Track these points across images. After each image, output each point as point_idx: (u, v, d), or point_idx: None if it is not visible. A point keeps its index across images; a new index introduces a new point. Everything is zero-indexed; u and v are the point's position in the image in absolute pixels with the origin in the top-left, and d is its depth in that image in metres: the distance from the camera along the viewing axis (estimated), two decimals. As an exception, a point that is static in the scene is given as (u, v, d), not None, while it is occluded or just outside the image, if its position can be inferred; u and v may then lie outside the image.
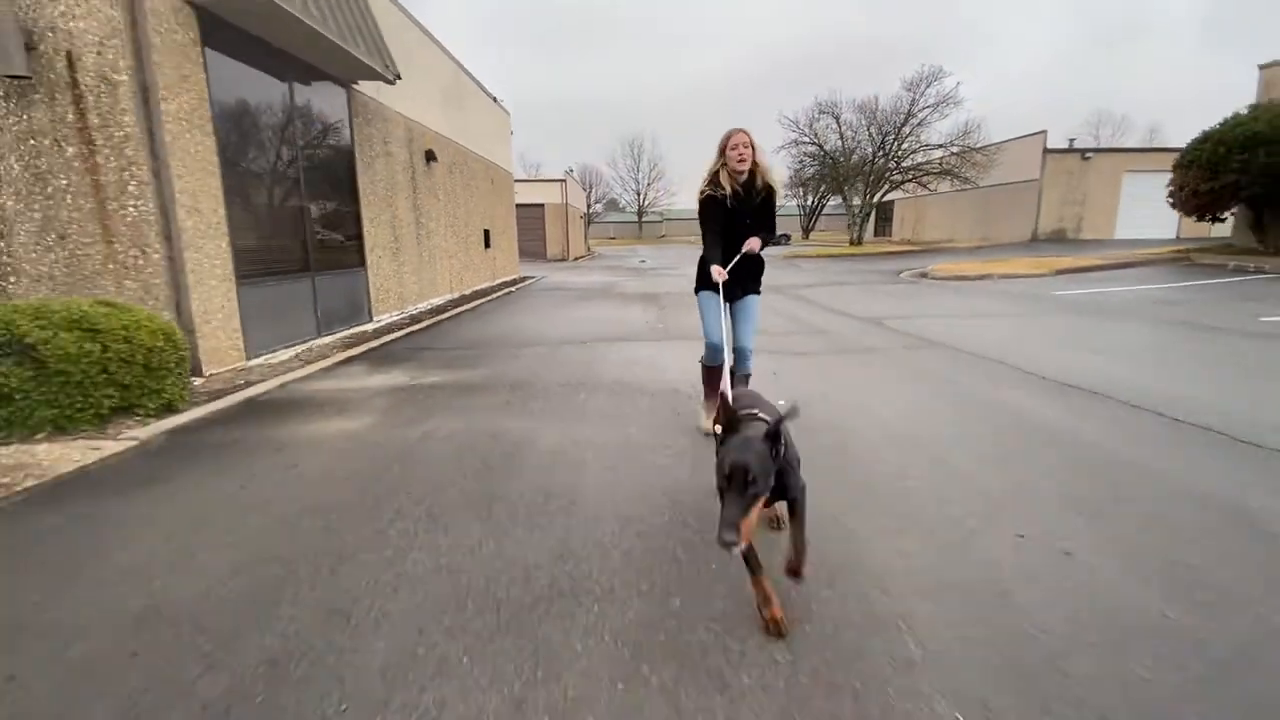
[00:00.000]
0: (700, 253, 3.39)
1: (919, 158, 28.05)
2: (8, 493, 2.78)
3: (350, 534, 2.38)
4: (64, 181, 4.38)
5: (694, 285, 3.50)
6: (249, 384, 4.72)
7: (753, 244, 3.21)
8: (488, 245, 13.69)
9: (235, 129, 5.40)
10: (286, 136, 6.16)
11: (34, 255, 4.47)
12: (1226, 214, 13.57)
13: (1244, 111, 12.75)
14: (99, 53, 4.24)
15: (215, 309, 4.96)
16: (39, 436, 3.37)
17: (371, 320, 7.85)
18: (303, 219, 6.41)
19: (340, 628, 1.81)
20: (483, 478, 2.91)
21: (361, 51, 6.24)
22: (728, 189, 3.21)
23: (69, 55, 4.23)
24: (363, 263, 7.71)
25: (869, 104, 28.19)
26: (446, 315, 8.91)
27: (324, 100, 6.82)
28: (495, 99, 14.82)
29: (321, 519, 2.52)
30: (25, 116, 4.30)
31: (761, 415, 1.78)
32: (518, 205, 17.96)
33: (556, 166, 64.96)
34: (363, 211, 7.65)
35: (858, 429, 3.51)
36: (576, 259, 29.25)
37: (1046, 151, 25.07)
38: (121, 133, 4.32)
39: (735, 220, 3.26)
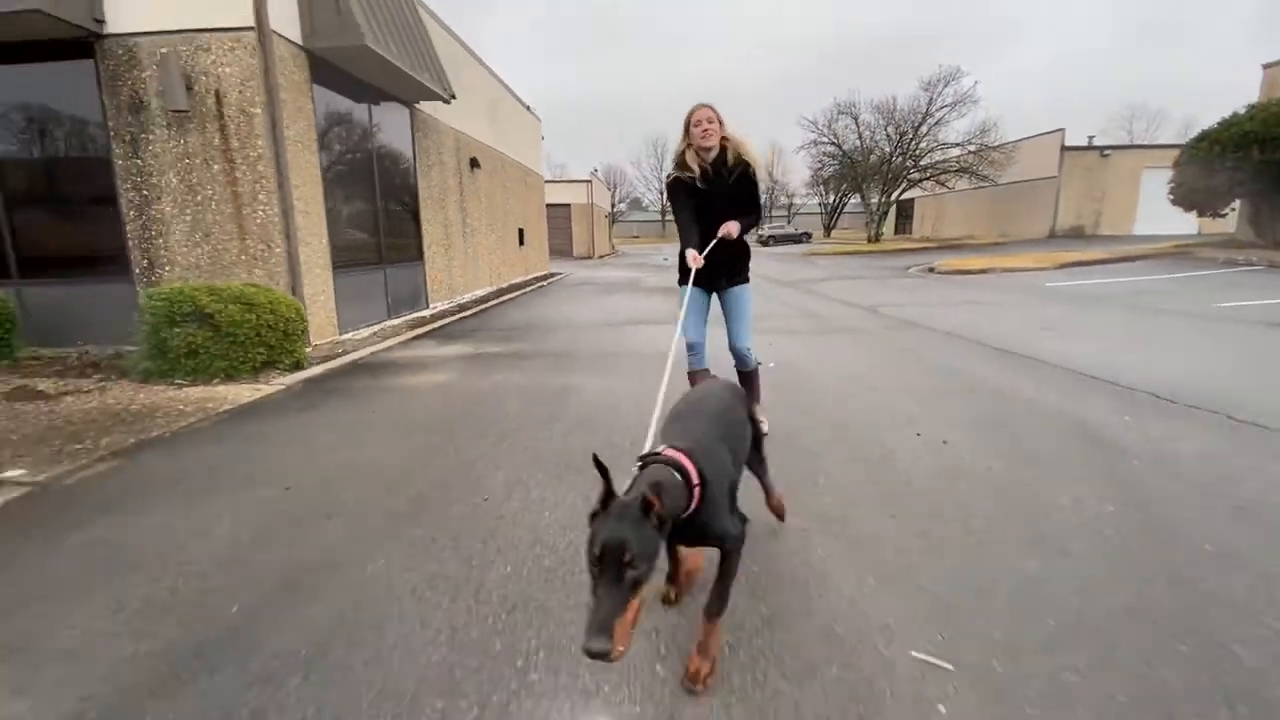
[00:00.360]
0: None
1: (936, 156, 28.60)
2: (213, 413, 3.96)
3: (461, 435, 3.50)
4: (210, 191, 5.61)
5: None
6: (346, 352, 5.91)
7: (730, 228, 3.00)
8: (521, 243, 14.88)
9: (330, 147, 6.60)
10: (365, 150, 7.37)
11: (185, 249, 5.71)
12: (1226, 210, 14.13)
13: (1241, 111, 13.32)
14: (240, 91, 5.45)
15: (319, 292, 6.16)
16: (216, 381, 4.57)
17: (428, 307, 9.05)
18: (377, 219, 7.61)
19: (473, 472, 2.91)
20: (545, 407, 4.01)
21: (427, 79, 7.41)
22: (695, 169, 3.04)
23: (217, 94, 5.45)
24: (421, 257, 8.92)
25: (886, 104, 28.83)
26: (489, 304, 10.09)
27: (393, 119, 8.03)
28: (528, 107, 16.01)
29: (438, 428, 3.65)
30: (183, 141, 5.54)
31: (666, 455, 1.41)
32: (546, 205, 19.16)
33: (582, 167, 66.23)
34: (421, 213, 8.85)
35: (819, 377, 4.54)
36: (601, 256, 30.42)
37: (1065, 149, 25.46)
38: (255, 153, 5.53)
39: (709, 203, 3.07)
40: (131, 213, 5.71)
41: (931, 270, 14.84)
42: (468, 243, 10.85)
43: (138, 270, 5.80)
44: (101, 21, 5.39)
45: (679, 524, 1.36)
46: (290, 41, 5.71)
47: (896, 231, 39.94)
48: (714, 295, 3.34)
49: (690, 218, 3.09)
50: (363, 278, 7.24)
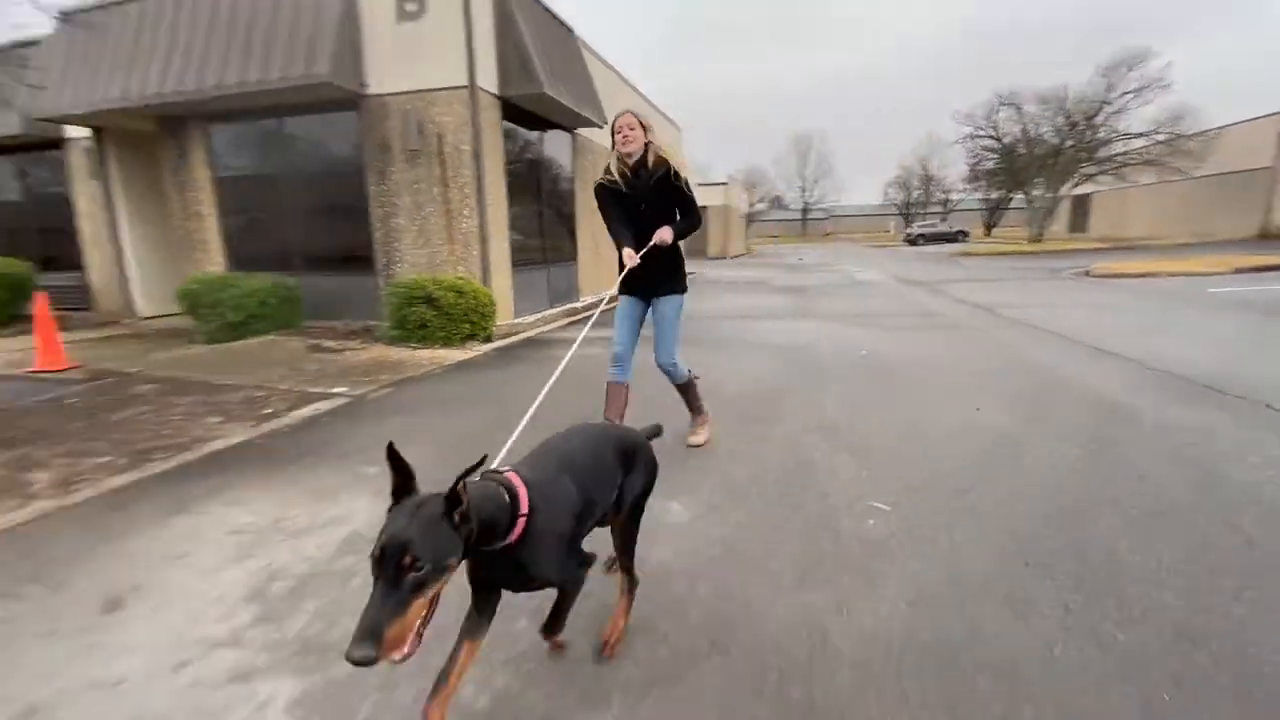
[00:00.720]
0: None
1: (1117, 147, 25.83)
2: (441, 365, 5.66)
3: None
4: (430, 209, 7.53)
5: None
6: (519, 332, 7.58)
7: (663, 234, 3.01)
8: (660, 244, 16.32)
9: (513, 170, 8.36)
10: (536, 171, 9.11)
11: (412, 251, 7.71)
12: None
13: None
14: (455, 133, 7.29)
15: (502, 285, 7.92)
16: (437, 346, 6.36)
17: (579, 300, 10.71)
18: (542, 226, 9.34)
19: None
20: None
21: (587, 111, 8.97)
22: (616, 174, 3.08)
23: (439, 136, 7.34)
24: (575, 258, 10.59)
25: (1056, 94, 26.53)
26: (615, 303, 11.57)
27: (558, 144, 9.73)
28: (670, 119, 17.41)
29: (584, 380, 5.01)
30: (413, 171, 7.51)
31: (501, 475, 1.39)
32: (685, 209, 20.45)
33: (726, 166, 66.88)
34: (577, 221, 10.51)
35: (903, 365, 5.28)
36: (735, 257, 31.26)
37: (1284, 134, 21.94)
38: (463, 179, 7.35)
39: (635, 207, 3.09)
40: (377, 224, 7.82)
41: (1087, 274, 14.02)
42: (611, 246, 12.43)
43: (379, 266, 7.91)
44: (365, 85, 7.49)
45: (498, 559, 1.31)
46: (489, 93, 7.46)
47: (1071, 230, 36.23)
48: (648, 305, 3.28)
49: (621, 221, 3.11)
50: (531, 274, 8.97)
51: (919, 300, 10.06)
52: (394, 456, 1.20)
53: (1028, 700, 1.50)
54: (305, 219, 8.32)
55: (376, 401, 4.52)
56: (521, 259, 8.60)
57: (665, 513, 2.58)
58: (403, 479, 1.22)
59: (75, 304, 10.09)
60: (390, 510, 1.17)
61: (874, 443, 3.38)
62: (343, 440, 3.66)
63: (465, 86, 7.10)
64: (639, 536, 1.80)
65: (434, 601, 1.14)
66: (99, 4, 7.94)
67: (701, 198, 29.31)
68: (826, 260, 24.33)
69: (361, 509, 2.72)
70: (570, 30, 9.27)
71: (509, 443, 1.72)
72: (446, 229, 7.54)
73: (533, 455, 1.63)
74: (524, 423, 1.92)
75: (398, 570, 1.06)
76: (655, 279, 3.16)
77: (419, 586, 1.07)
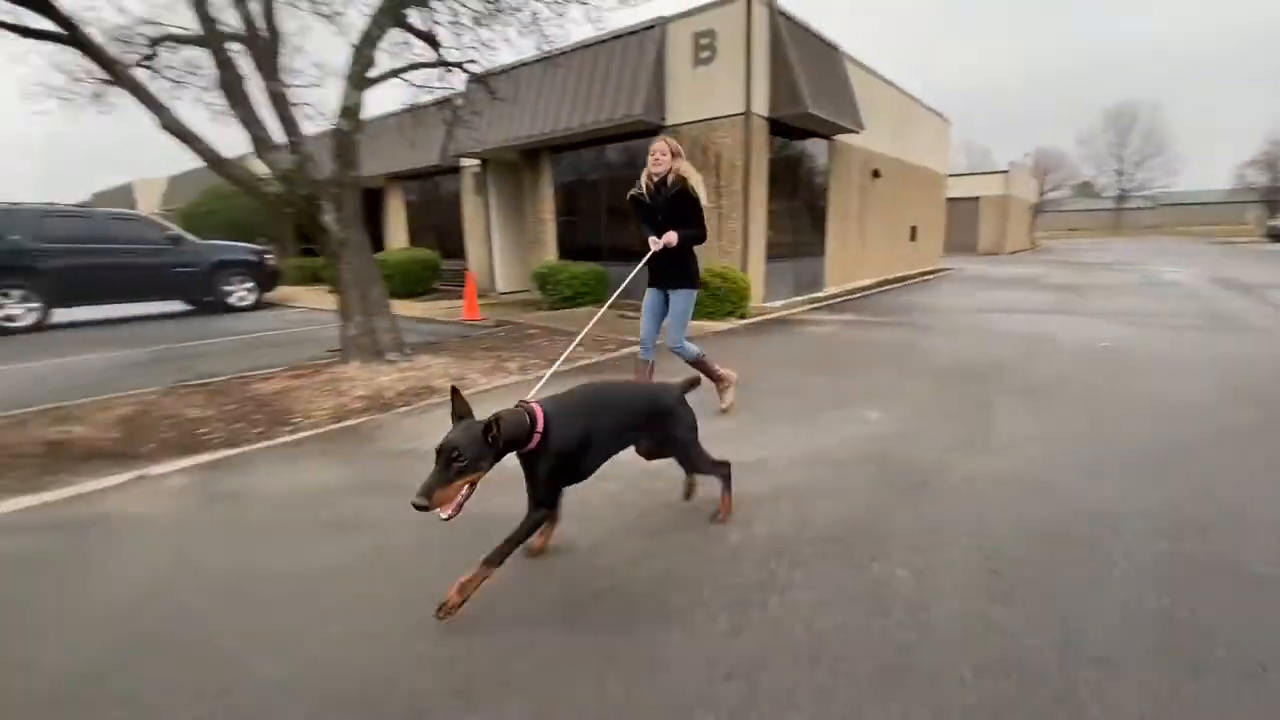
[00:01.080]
0: None
1: None
2: (706, 334, 7.49)
3: (834, 355, 6.09)
4: (708, 212, 9.43)
5: None
6: (768, 314, 9.11)
7: (669, 236, 3.65)
8: (913, 239, 16.29)
9: (775, 176, 9.87)
10: (795, 175, 10.48)
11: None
12: None
13: None
14: (730, 151, 9.07)
15: (756, 275, 9.53)
16: (704, 320, 8.25)
17: (824, 290, 11.81)
18: (795, 223, 10.69)
19: (837, 366, 5.50)
20: (890, 350, 6.27)
21: (845, 120, 10.04)
22: (643, 188, 3.81)
23: (717, 154, 9.20)
24: (823, 252, 11.71)
25: None
26: (872, 292, 12.26)
27: (816, 149, 10.95)
28: (939, 114, 17.06)
29: (821, 350, 6.33)
30: (696, 183, 9.50)
31: (530, 407, 1.91)
32: (951, 199, 19.68)
33: (1010, 151, 59.26)
34: (828, 218, 11.61)
35: (1145, 359, 5.47)
36: (1013, 252, 28.24)
37: None
38: (734, 188, 9.12)
39: (653, 214, 3.80)
40: (664, 225, 10.03)
41: None
42: (862, 240, 13.18)
43: (663, 258, 10.13)
44: (664, 119, 9.69)
45: (528, 460, 1.92)
46: (761, 116, 9.07)
47: None
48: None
49: (643, 223, 3.89)
50: (781, 266, 10.42)
51: (1220, 303, 8.95)
52: (455, 394, 1.85)
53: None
54: (612, 222, 10.99)
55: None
56: (773, 253, 10.10)
57: (863, 419, 3.88)
58: (461, 409, 1.81)
59: (459, 283, 14.55)
60: (453, 426, 1.79)
61: (1054, 402, 4.14)
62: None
63: (742, 114, 8.82)
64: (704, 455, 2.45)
65: (472, 485, 1.74)
66: (499, 70, 11.57)
67: (976, 188, 27.18)
68: (1131, 257, 20.89)
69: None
70: (834, 48, 10.39)
71: (540, 382, 3.23)
72: (716, 229, 9.39)
73: (569, 394, 2.13)
74: (556, 366, 3.41)
75: (448, 460, 1.67)
76: (668, 274, 3.91)
77: (460, 472, 1.68)
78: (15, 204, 9.50)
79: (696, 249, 3.91)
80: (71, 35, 4.64)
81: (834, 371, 5.40)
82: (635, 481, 2.89)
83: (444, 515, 1.68)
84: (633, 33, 9.51)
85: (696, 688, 1.62)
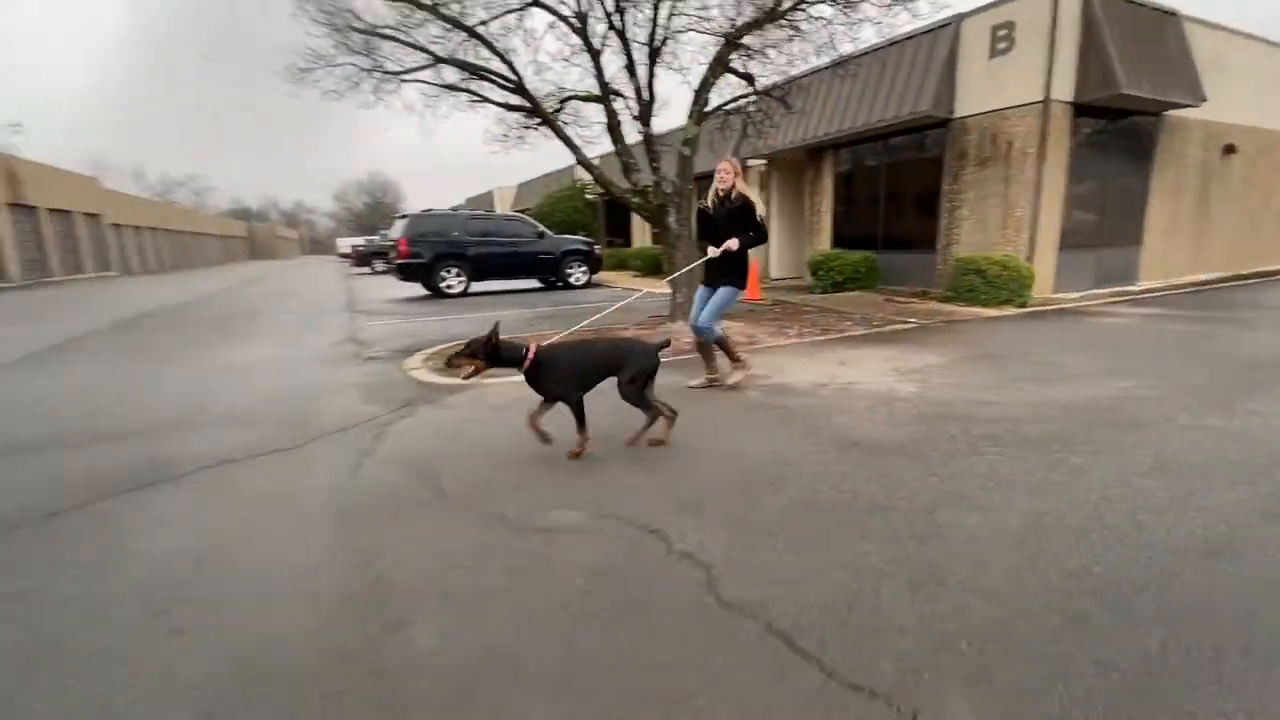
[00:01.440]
0: None
1: None
2: (976, 319, 7.90)
3: (1116, 345, 6.16)
4: (991, 201, 9.56)
5: None
6: (1054, 305, 8.91)
7: (730, 244, 4.22)
8: (1291, 225, 13.11)
9: (1078, 162, 9.40)
10: (1104, 159, 9.77)
11: (968, 235, 9.94)
12: None
13: None
14: (1021, 140, 9.04)
15: (1045, 263, 9.32)
16: (976, 306, 8.57)
17: (1137, 283, 10.66)
18: (1103, 211, 9.96)
19: (1115, 358, 5.70)
20: (1185, 340, 6.06)
21: (1175, 95, 9.05)
22: (709, 201, 4.43)
23: (1008, 144, 9.23)
24: (1138, 242, 10.57)
25: None
26: (1209, 287, 10.59)
27: (1137, 129, 9.97)
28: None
29: (1098, 340, 6.40)
30: (981, 172, 9.65)
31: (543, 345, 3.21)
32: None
33: None
34: (1149, 204, 10.44)
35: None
36: None
37: None
38: (1024, 176, 9.08)
39: (714, 225, 4.39)
40: (944, 214, 10.34)
41: None
42: (1199, 227, 11.36)
43: (939, 246, 10.45)
44: (952, 111, 9.97)
45: (530, 376, 3.15)
46: (1062, 102, 8.82)
47: None
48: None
49: (703, 231, 4.54)
50: (1079, 255, 9.85)
51: None
52: (495, 331, 3.17)
53: None
54: (887, 212, 11.59)
55: (927, 328, 7.23)
56: (1070, 242, 9.67)
57: (1101, 385, 4.39)
58: (489, 337, 3.12)
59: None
60: (475, 338, 3.20)
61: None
62: (910, 338, 6.54)
63: (1039, 102, 8.76)
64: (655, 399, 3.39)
65: (477, 370, 3.13)
66: (789, 79, 12.95)
67: None
68: None
69: (888, 367, 5.46)
70: (1170, 14, 9.36)
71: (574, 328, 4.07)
72: (1002, 217, 9.45)
73: (560, 342, 3.38)
74: (573, 329, 4.19)
75: (468, 351, 3.14)
76: (720, 273, 4.45)
77: (470, 356, 3.13)
78: (454, 210, 14.13)
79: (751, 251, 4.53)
80: (534, 107, 7.42)
81: (1093, 353, 5.65)
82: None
83: (459, 378, 3.27)
84: (925, 32, 9.97)
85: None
